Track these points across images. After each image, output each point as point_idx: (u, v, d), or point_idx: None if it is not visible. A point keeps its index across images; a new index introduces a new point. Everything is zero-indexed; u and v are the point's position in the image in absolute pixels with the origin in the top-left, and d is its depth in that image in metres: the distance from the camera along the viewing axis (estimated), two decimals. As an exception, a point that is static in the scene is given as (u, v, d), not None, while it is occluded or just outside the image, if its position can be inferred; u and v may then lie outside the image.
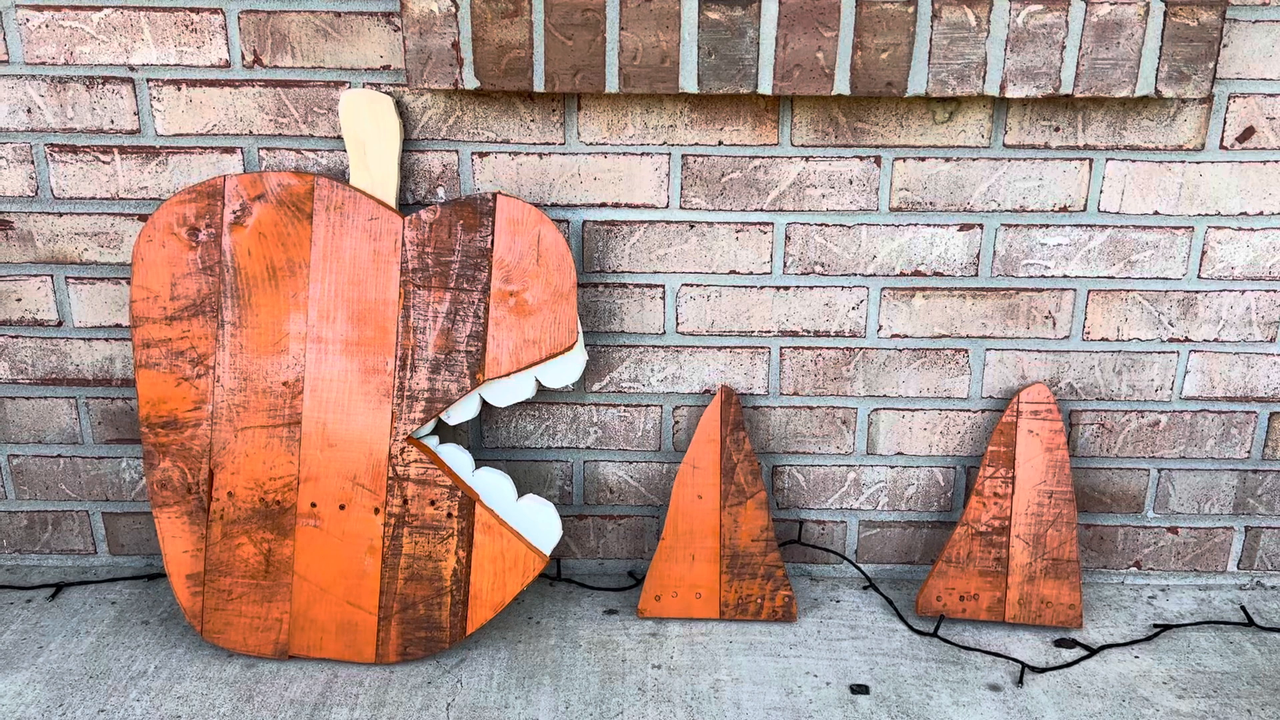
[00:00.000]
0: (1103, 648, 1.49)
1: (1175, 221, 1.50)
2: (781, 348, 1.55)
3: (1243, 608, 1.60)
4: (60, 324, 1.55)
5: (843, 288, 1.53)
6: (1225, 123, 1.45)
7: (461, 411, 1.44)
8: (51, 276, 1.53)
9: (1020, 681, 1.41)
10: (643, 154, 1.47)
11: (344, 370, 1.40)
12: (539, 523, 1.47)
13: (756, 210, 1.49)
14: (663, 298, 1.53)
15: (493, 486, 1.46)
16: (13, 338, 1.56)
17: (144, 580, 1.64)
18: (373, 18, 1.41)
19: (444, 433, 1.59)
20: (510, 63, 1.36)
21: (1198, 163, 1.47)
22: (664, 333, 1.55)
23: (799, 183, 1.48)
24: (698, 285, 1.53)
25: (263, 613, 1.43)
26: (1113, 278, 1.52)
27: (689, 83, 1.36)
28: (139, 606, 1.57)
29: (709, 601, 1.53)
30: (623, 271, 1.52)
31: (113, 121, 1.46)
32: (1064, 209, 1.49)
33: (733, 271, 1.52)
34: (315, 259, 1.40)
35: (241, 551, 1.42)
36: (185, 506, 1.42)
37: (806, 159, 1.47)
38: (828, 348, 1.55)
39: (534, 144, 1.46)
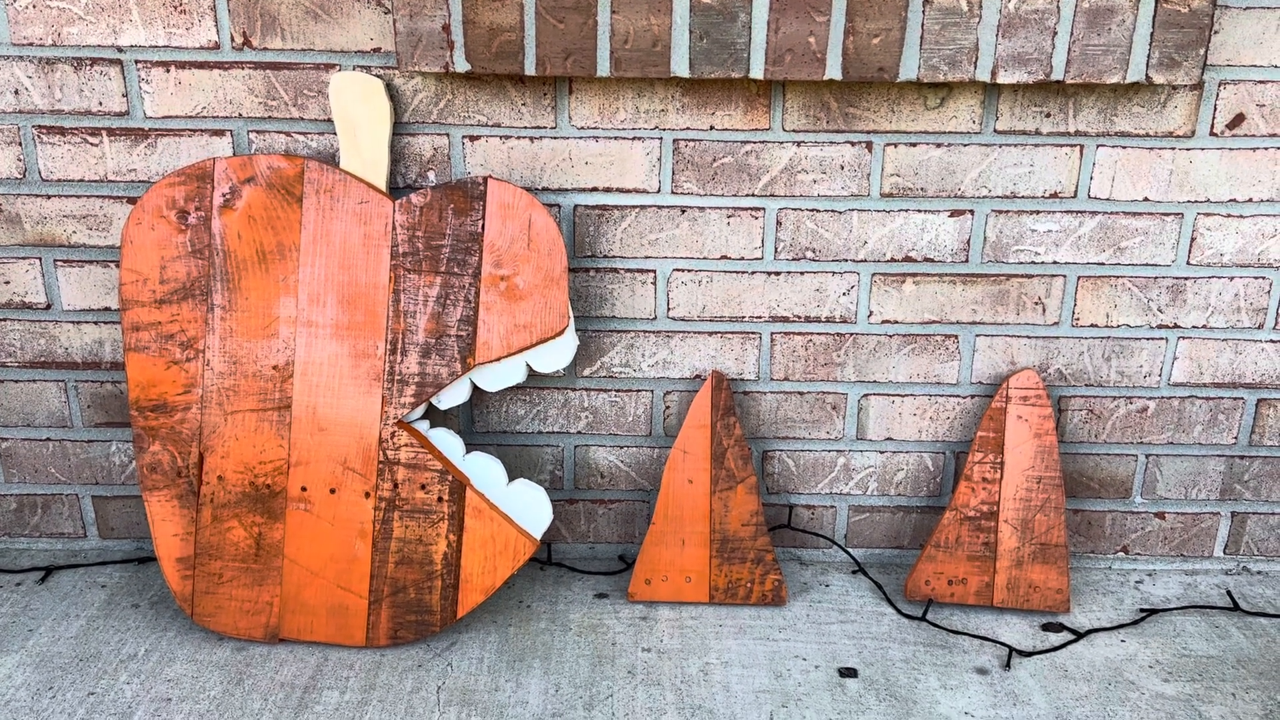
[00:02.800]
0: (1089, 632, 1.50)
1: (1165, 208, 1.50)
2: (772, 333, 1.56)
3: (1228, 592, 1.61)
4: (49, 307, 1.55)
5: (833, 273, 1.53)
6: (1215, 110, 1.46)
7: (452, 396, 1.44)
8: (40, 259, 1.52)
9: (1007, 665, 1.42)
10: (634, 138, 1.46)
11: (334, 354, 1.40)
12: (530, 507, 1.47)
13: (748, 195, 1.49)
14: (654, 283, 1.53)
15: (483, 471, 1.46)
16: (1, 321, 1.55)
17: (134, 564, 1.64)
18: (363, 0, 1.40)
19: (434, 417, 1.59)
20: (501, 46, 1.35)
21: (1188, 149, 1.47)
22: (655, 318, 1.55)
23: (790, 168, 1.48)
24: (689, 270, 1.53)
25: (253, 596, 1.43)
26: (1102, 264, 1.53)
27: (680, 67, 1.36)
28: (129, 590, 1.57)
29: (699, 585, 1.54)
30: (614, 256, 1.52)
31: (101, 103, 1.45)
32: (1054, 195, 1.49)
33: (724, 257, 1.52)
34: (305, 242, 1.39)
35: (232, 535, 1.42)
36: (175, 490, 1.42)
37: (798, 144, 1.47)
38: (818, 333, 1.56)
39: (525, 128, 1.46)
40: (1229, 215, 1.50)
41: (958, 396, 1.59)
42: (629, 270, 1.53)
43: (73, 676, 1.37)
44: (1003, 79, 1.36)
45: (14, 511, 1.66)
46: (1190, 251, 1.52)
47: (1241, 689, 1.38)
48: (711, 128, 1.46)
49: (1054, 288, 1.53)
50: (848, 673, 1.40)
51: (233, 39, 1.42)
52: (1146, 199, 1.50)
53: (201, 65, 1.43)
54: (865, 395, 1.59)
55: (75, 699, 1.33)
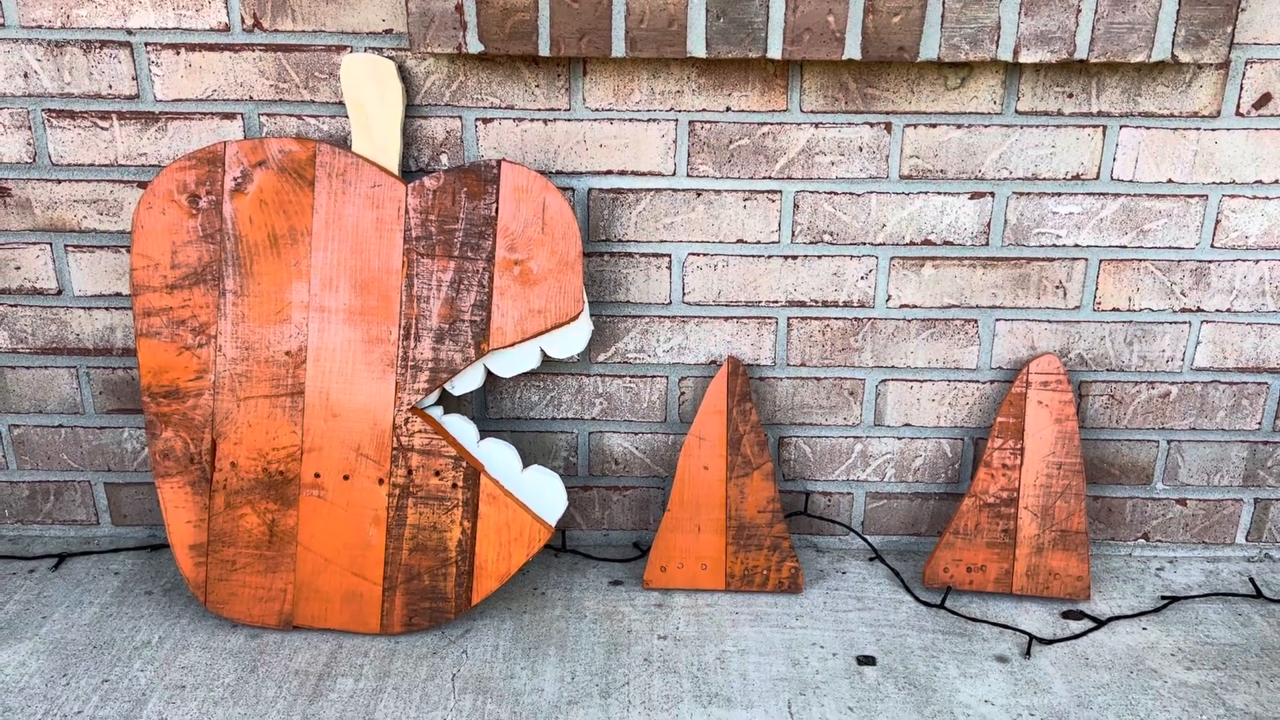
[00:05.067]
0: (1110, 619, 1.48)
1: (1189, 190, 1.48)
2: (789, 318, 1.54)
3: (1251, 580, 1.59)
4: (60, 293, 1.54)
5: (851, 257, 1.51)
6: (1241, 89, 1.43)
7: (466, 382, 1.43)
8: (51, 245, 1.51)
9: (1028, 653, 1.41)
10: (649, 120, 1.44)
11: (347, 340, 1.39)
12: (544, 493, 1.46)
13: (764, 178, 1.47)
14: (669, 267, 1.51)
15: (497, 457, 1.45)
16: (12, 307, 1.54)
17: (147, 550, 1.63)
18: (374, -20, 1.39)
19: (448, 403, 1.58)
20: (515, 26, 1.33)
21: (1213, 130, 1.45)
22: (670, 303, 1.53)
23: (808, 150, 1.46)
24: (704, 254, 1.51)
25: (267, 583, 1.43)
26: (1125, 247, 1.50)
27: (697, 47, 1.34)
28: (142, 577, 1.57)
29: (715, 573, 1.52)
30: (629, 240, 1.50)
31: (110, 86, 1.44)
32: (1076, 177, 1.47)
33: (740, 240, 1.50)
34: (317, 227, 1.38)
35: (245, 522, 1.42)
36: (188, 476, 1.41)
37: (816, 125, 1.45)
38: (836, 318, 1.54)
39: (539, 110, 1.44)
40: (1255, 197, 1.48)
41: (977, 382, 1.57)
42: (644, 254, 1.51)
43: (86, 664, 1.37)
44: (1025, 58, 1.34)
45: (27, 499, 1.65)
46: (1214, 234, 1.49)
47: (1266, 677, 1.37)
48: (728, 109, 1.44)
49: (1075, 271, 1.51)
50: (866, 661, 1.39)
51: (243, 20, 1.41)
52: (1170, 180, 1.47)
53: (212, 47, 1.42)
54: (883, 381, 1.57)
55: (89, 686, 1.32)
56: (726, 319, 1.54)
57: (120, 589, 1.53)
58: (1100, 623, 1.47)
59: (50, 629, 1.44)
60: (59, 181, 1.48)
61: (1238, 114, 1.44)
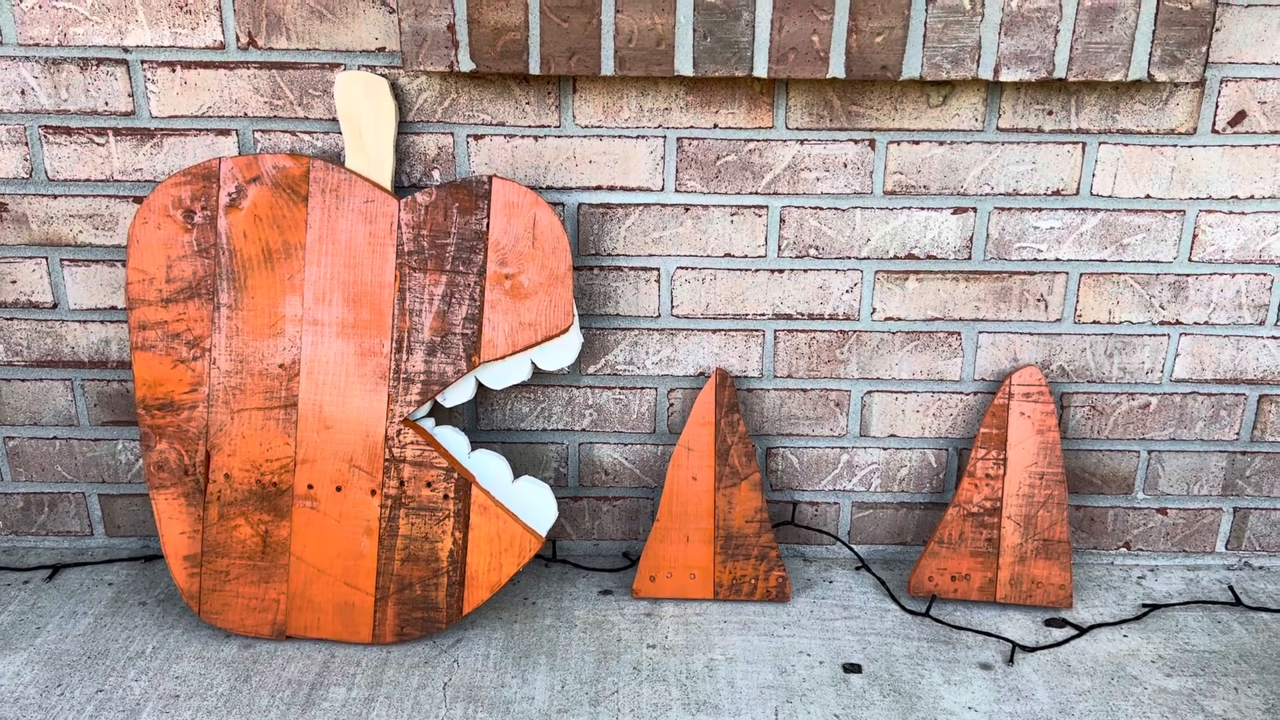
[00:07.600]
0: (1092, 627, 1.51)
1: (1167, 205, 1.51)
2: (775, 330, 1.56)
3: (1230, 588, 1.62)
4: (55, 306, 1.55)
5: (837, 271, 1.53)
6: (1217, 107, 1.46)
7: (457, 394, 1.44)
8: (46, 259, 1.53)
9: (1011, 660, 1.43)
10: (638, 137, 1.47)
11: (340, 353, 1.41)
12: (534, 504, 1.47)
13: (751, 193, 1.50)
14: (658, 281, 1.54)
15: (488, 468, 1.47)
16: (8, 320, 1.56)
17: (141, 561, 1.65)
18: (368, -1, 1.41)
19: (440, 415, 1.59)
20: (505, 45, 1.36)
21: (1189, 147, 1.48)
22: (659, 315, 1.55)
23: (793, 166, 1.48)
24: (692, 268, 1.53)
25: (260, 593, 1.44)
26: (1104, 261, 1.53)
27: (684, 65, 1.36)
28: (136, 587, 1.58)
29: (703, 582, 1.54)
30: (618, 254, 1.53)
31: (107, 103, 1.46)
32: (1057, 192, 1.50)
33: (727, 254, 1.53)
34: (311, 241, 1.40)
35: (238, 533, 1.43)
36: (182, 488, 1.43)
37: (801, 142, 1.47)
38: (821, 330, 1.56)
39: (529, 127, 1.46)
40: (1230, 212, 1.51)
41: (960, 393, 1.59)
42: (633, 268, 1.53)
43: (81, 674, 1.38)
44: (1005, 77, 1.37)
45: (21, 510, 1.66)
46: (1192, 248, 1.52)
47: (1244, 683, 1.39)
48: (715, 126, 1.46)
49: (1056, 285, 1.54)
50: (852, 668, 1.41)
51: (238, 39, 1.43)
52: (1148, 196, 1.50)
53: (207, 65, 1.44)
54: (868, 392, 1.59)
55: (84, 696, 1.34)
56: (714, 331, 1.56)
57: (114, 600, 1.55)
58: (1082, 630, 1.50)
59: (45, 639, 1.45)
60: (55, 197, 1.50)
61: (1214, 131, 1.47)
